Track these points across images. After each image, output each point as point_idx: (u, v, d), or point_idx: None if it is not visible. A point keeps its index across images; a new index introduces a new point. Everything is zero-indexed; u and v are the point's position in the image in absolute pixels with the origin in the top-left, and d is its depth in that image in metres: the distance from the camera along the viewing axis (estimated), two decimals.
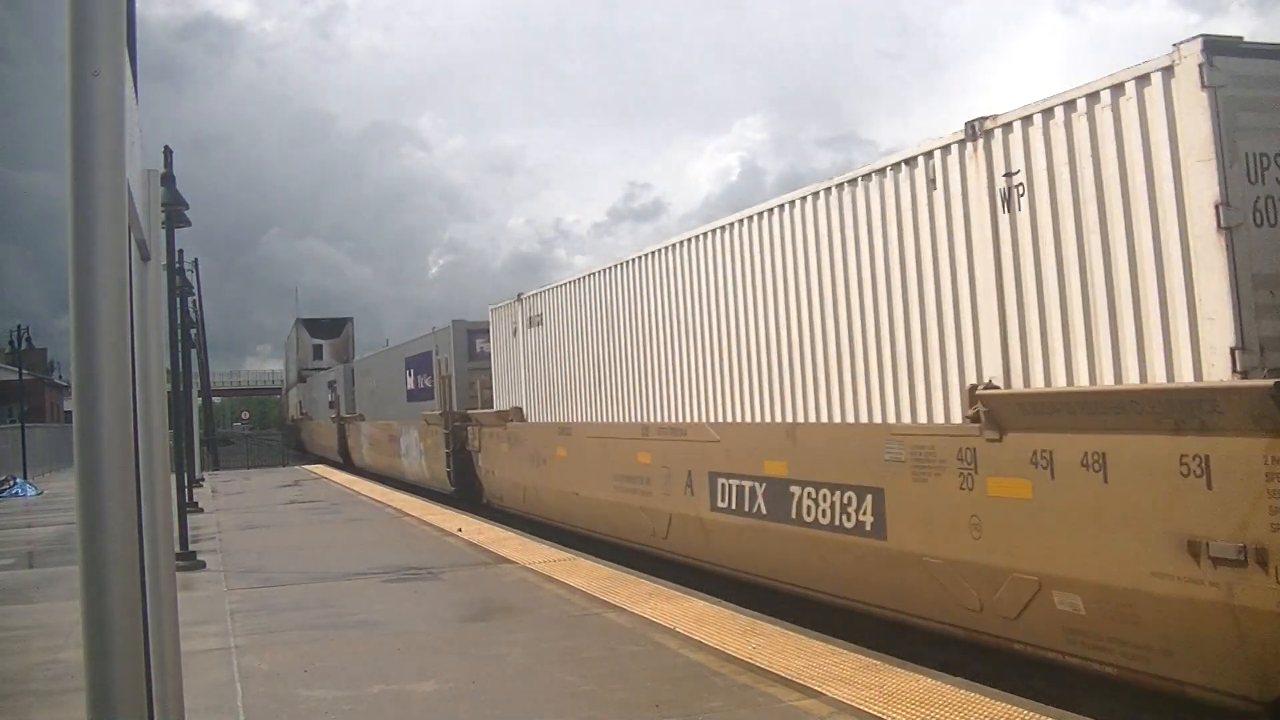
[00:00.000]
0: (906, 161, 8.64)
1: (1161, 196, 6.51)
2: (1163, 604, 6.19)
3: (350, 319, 60.81)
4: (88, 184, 1.75)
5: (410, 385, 27.94)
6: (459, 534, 14.83)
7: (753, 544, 10.72)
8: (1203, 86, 6.17)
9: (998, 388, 7.61)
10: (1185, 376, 6.31)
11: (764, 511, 10.51)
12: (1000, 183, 7.61)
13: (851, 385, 9.41)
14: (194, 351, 32.58)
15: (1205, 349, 6.22)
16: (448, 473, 23.22)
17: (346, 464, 38.94)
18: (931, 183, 8.25)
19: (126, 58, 1.90)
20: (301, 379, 55.88)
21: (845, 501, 9.19)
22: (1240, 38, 6.35)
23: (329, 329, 59.28)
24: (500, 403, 19.80)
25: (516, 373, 18.86)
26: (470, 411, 22.13)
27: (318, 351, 57.29)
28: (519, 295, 18.72)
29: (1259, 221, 6.18)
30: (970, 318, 7.98)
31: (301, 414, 56.00)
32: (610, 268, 15.05)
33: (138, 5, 4.33)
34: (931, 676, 6.47)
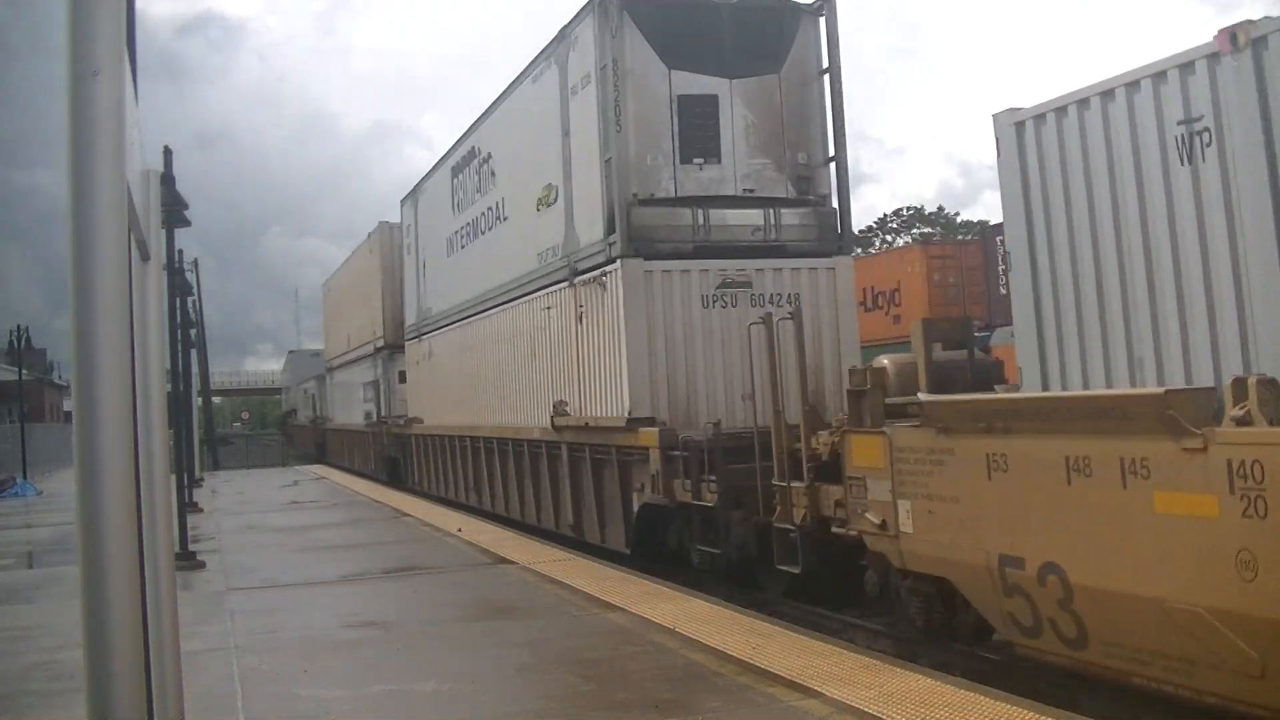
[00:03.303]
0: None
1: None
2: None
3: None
4: (88, 184, 1.75)
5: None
6: (459, 534, 14.84)
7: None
8: None
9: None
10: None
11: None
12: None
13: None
14: (194, 351, 32.58)
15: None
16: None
17: None
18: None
19: (126, 57, 1.90)
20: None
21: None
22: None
23: (757, 24, 12.76)
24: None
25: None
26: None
27: (693, 133, 12.40)
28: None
29: None
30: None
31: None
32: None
33: (138, 2, 4.34)
34: (931, 676, 6.47)
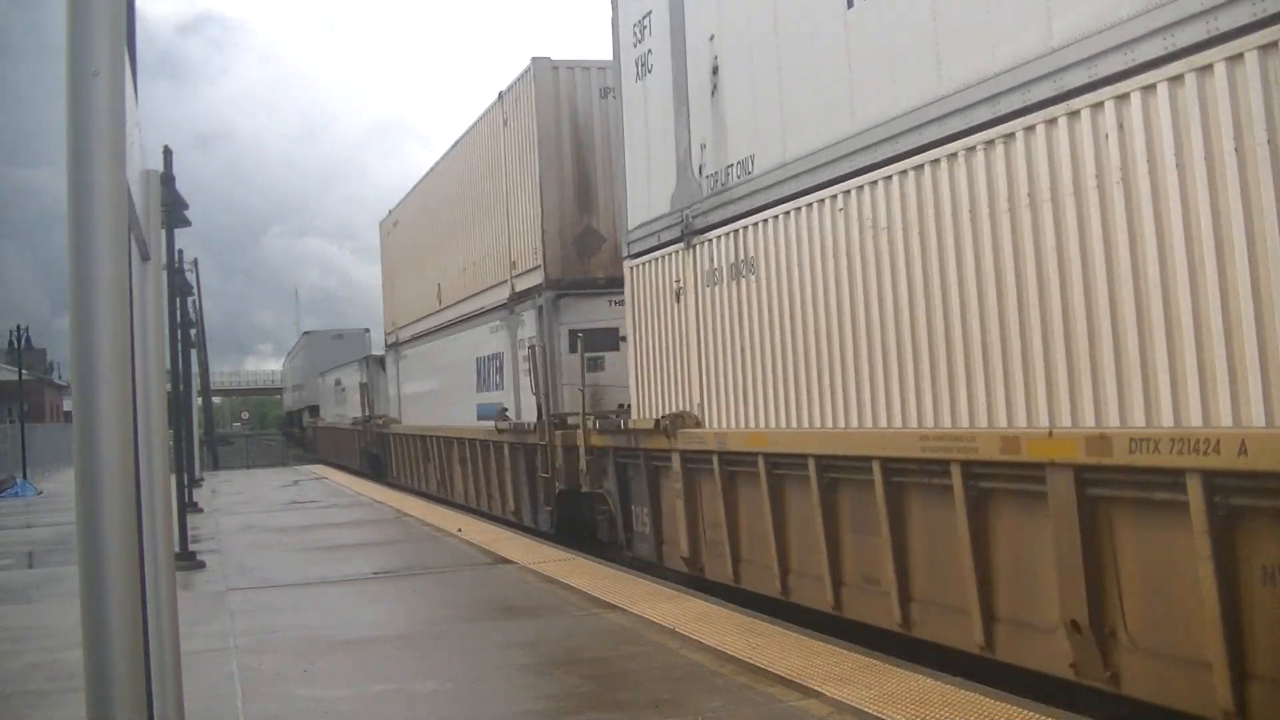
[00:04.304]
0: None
1: None
2: None
3: None
4: (88, 184, 1.75)
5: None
6: (459, 534, 14.84)
7: None
8: None
9: None
10: None
11: None
12: None
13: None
14: (194, 351, 32.60)
15: None
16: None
17: None
18: None
19: (126, 57, 1.90)
20: None
21: None
22: None
23: None
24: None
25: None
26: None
27: None
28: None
29: None
30: None
31: None
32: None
33: (138, 2, 4.34)
34: (931, 676, 6.46)
